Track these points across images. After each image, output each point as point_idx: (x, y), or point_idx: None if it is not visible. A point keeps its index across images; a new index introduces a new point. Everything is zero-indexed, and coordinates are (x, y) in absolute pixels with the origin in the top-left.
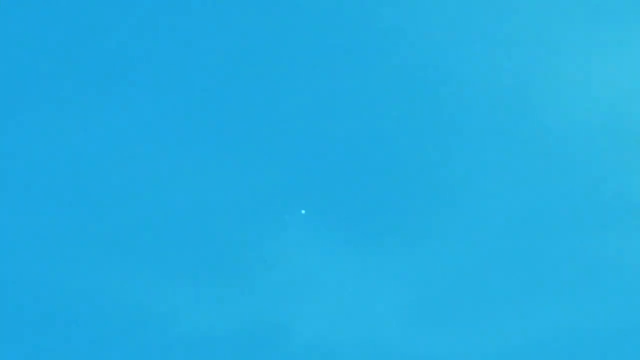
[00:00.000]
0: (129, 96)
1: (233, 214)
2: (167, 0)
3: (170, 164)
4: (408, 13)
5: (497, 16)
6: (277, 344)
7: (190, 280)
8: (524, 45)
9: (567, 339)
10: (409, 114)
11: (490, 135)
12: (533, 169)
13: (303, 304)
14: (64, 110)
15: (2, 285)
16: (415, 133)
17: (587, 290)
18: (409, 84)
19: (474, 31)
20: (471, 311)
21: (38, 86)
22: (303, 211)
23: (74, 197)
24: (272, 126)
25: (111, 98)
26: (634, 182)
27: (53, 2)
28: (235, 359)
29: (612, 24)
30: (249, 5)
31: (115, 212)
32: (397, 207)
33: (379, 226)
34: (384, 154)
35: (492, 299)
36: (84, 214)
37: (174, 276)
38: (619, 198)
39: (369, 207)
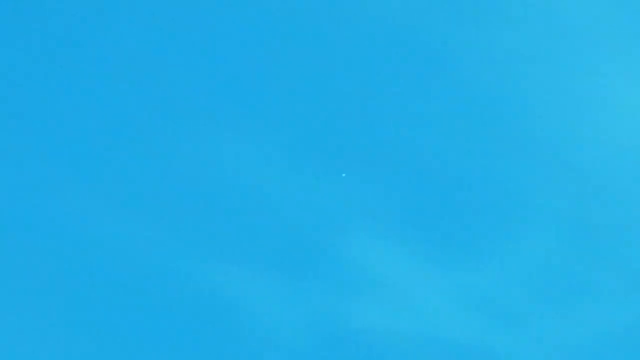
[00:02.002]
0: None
1: (307, 218)
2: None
3: (251, 167)
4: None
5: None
6: (337, 336)
7: (266, 273)
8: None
9: (616, 342)
10: (467, 136)
11: (541, 155)
12: (578, 185)
13: (364, 301)
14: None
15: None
16: (473, 152)
17: (633, 295)
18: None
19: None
20: (521, 313)
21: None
22: (344, 174)
23: (158, 193)
24: (347, 141)
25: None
26: None
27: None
28: (299, 347)
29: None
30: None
31: (200, 209)
32: (456, 220)
33: (438, 235)
34: (448, 170)
35: (537, 305)
36: (168, 207)
37: (248, 270)
38: None
39: (429, 218)
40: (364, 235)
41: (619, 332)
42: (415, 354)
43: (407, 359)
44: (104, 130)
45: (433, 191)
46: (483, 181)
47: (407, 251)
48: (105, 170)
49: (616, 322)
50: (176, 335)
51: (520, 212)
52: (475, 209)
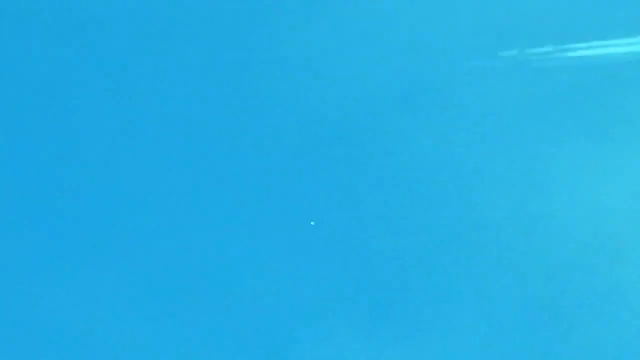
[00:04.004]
0: None
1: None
2: None
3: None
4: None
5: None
6: None
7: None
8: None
9: None
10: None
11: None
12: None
13: None
14: None
15: None
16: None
17: None
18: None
19: None
20: None
21: None
22: (312, 222)
23: None
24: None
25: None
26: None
27: None
28: None
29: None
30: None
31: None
32: (406, 305)
33: (390, 320)
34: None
35: None
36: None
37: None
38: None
39: (382, 303)
40: (324, 329)
41: None
42: None
43: None
44: None
45: (380, 287)
46: (423, 275)
47: (361, 341)
48: None
49: None
50: None
51: (453, 306)
52: (415, 303)
